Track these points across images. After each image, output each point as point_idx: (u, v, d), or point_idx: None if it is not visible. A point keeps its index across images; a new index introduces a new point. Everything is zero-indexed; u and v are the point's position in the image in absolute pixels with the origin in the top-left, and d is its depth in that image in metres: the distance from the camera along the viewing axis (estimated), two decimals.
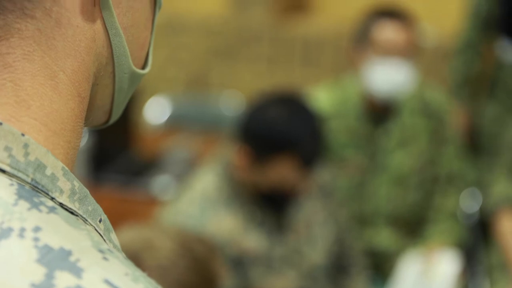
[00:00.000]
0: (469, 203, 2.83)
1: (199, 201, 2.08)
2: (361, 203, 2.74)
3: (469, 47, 3.23)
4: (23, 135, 0.54)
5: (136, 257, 1.23)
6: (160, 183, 2.97)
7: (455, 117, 3.17)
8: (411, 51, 2.60)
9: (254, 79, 4.33)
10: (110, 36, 0.61)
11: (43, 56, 0.57)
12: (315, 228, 2.25)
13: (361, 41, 2.62)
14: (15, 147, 0.54)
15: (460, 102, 3.27)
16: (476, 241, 2.80)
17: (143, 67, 0.67)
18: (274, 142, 2.00)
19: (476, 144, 3.29)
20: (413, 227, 2.84)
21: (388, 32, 2.58)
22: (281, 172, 2.03)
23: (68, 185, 0.56)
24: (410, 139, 2.71)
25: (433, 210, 2.78)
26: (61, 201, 0.54)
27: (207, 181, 2.11)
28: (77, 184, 0.56)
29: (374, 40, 2.59)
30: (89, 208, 0.57)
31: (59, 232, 0.51)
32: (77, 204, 0.55)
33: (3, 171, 0.53)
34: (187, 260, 1.26)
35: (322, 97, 2.66)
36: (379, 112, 2.70)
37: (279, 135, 2.00)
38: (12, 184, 0.53)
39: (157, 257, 1.24)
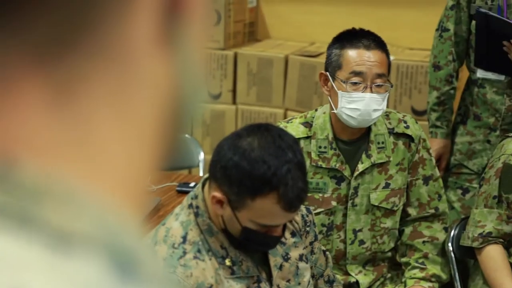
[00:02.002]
0: (447, 236, 2.74)
1: (171, 246, 1.92)
2: (332, 235, 2.62)
3: (446, 82, 3.17)
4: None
5: None
6: None
7: (433, 149, 3.10)
8: (384, 75, 2.49)
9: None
10: (179, 68, 0.50)
11: (116, 103, 0.47)
12: (298, 264, 2.11)
13: (332, 66, 2.51)
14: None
15: (437, 135, 3.21)
16: (454, 274, 2.72)
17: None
18: (263, 181, 1.80)
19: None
20: (390, 260, 2.74)
21: (360, 55, 2.47)
22: (267, 211, 1.85)
23: None
24: (383, 167, 2.60)
25: (415, 243, 2.69)
26: None
27: (177, 228, 1.95)
28: None
29: (346, 60, 2.47)
30: None
31: None
32: None
33: None
34: None
35: (291, 130, 2.53)
36: (351, 142, 2.59)
37: (268, 173, 1.80)
38: None
39: None
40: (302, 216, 2.16)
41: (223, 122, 4.35)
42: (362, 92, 2.46)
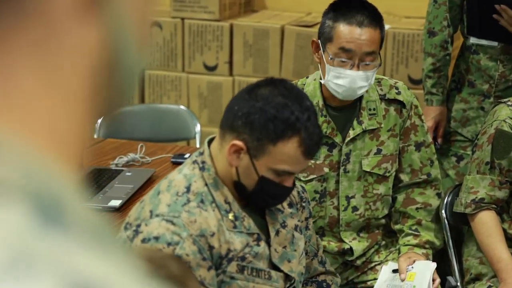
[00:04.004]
0: (440, 203, 2.73)
1: (175, 194, 1.93)
2: (325, 202, 2.62)
3: (441, 48, 3.14)
4: None
5: None
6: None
7: (430, 117, 3.09)
8: (374, 52, 2.47)
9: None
10: (110, 30, 0.50)
11: (41, 59, 0.46)
12: (294, 233, 2.12)
13: (324, 37, 2.49)
14: None
15: (433, 103, 3.19)
16: (448, 241, 2.72)
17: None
18: (287, 125, 1.85)
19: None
20: (384, 227, 2.74)
21: (352, 32, 2.45)
22: (288, 155, 1.88)
23: None
24: (375, 133, 2.59)
25: (409, 211, 2.69)
26: None
27: (181, 179, 1.96)
28: None
29: (337, 35, 2.45)
30: None
31: None
32: None
33: None
34: (161, 279, 1.10)
35: None
36: (342, 109, 2.58)
37: (291, 117, 1.85)
38: None
39: None
40: (298, 192, 2.20)
41: (220, 94, 4.35)
42: (349, 69, 2.44)
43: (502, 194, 2.59)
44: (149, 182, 2.98)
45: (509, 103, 2.59)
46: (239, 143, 1.89)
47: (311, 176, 2.59)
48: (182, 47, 4.41)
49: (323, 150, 2.57)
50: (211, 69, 4.36)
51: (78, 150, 0.48)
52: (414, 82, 3.99)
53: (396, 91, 2.62)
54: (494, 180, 2.58)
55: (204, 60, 4.35)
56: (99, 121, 3.77)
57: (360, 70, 2.44)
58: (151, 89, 4.51)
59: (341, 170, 2.59)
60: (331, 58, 2.45)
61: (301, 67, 4.15)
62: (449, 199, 2.74)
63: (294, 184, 2.00)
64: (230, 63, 4.33)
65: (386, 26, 4.07)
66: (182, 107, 3.94)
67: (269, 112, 1.85)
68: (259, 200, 1.98)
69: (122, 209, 2.71)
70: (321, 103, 2.56)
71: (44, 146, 0.45)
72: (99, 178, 2.96)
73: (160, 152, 3.33)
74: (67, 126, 0.48)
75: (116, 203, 2.72)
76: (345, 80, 2.44)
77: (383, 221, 2.71)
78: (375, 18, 2.47)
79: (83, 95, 0.49)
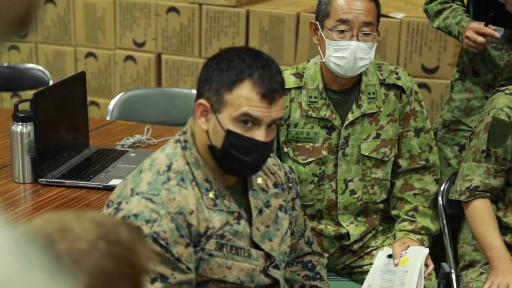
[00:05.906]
0: (438, 190, 2.73)
1: (156, 173, 1.96)
2: (324, 185, 2.63)
3: (445, 2, 3.09)
4: None
5: (48, 240, 1.08)
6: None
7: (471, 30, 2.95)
8: (371, 23, 2.48)
9: None
10: None
11: None
12: (278, 213, 2.13)
13: (321, 15, 2.52)
14: None
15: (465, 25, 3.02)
16: (444, 228, 2.72)
17: None
18: (238, 71, 1.89)
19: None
20: (382, 212, 2.74)
21: (348, 3, 2.48)
22: (245, 98, 1.88)
23: None
24: (374, 118, 2.60)
25: (406, 196, 2.69)
26: None
27: (163, 158, 1.99)
28: None
29: (334, 9, 2.48)
30: None
31: None
32: None
33: None
34: (109, 243, 1.12)
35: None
36: (342, 92, 2.59)
37: (243, 64, 1.89)
38: None
39: (72, 239, 1.09)
40: (285, 173, 2.20)
41: None
42: (348, 40, 2.46)
43: (497, 182, 2.58)
44: None
45: (507, 91, 2.58)
46: (202, 101, 1.93)
47: (310, 159, 2.60)
48: (199, 33, 4.43)
49: (322, 133, 2.59)
50: None
51: None
52: (427, 71, 3.98)
53: (396, 76, 2.63)
54: (489, 168, 2.58)
55: (220, 46, 4.37)
56: (113, 103, 3.82)
57: (360, 41, 2.47)
58: (168, 74, 4.54)
59: (340, 154, 2.60)
60: (329, 30, 2.47)
61: (315, 54, 4.10)
62: (446, 186, 2.73)
63: (269, 141, 1.96)
64: None
65: (401, 15, 4.06)
66: (194, 91, 3.96)
67: (223, 63, 1.91)
68: (231, 160, 1.95)
69: None
70: (321, 86, 2.58)
71: None
72: (103, 158, 3.00)
73: (167, 134, 3.36)
74: None
75: (116, 182, 2.76)
76: (345, 52, 2.46)
77: (381, 206, 2.72)
78: None
79: None
